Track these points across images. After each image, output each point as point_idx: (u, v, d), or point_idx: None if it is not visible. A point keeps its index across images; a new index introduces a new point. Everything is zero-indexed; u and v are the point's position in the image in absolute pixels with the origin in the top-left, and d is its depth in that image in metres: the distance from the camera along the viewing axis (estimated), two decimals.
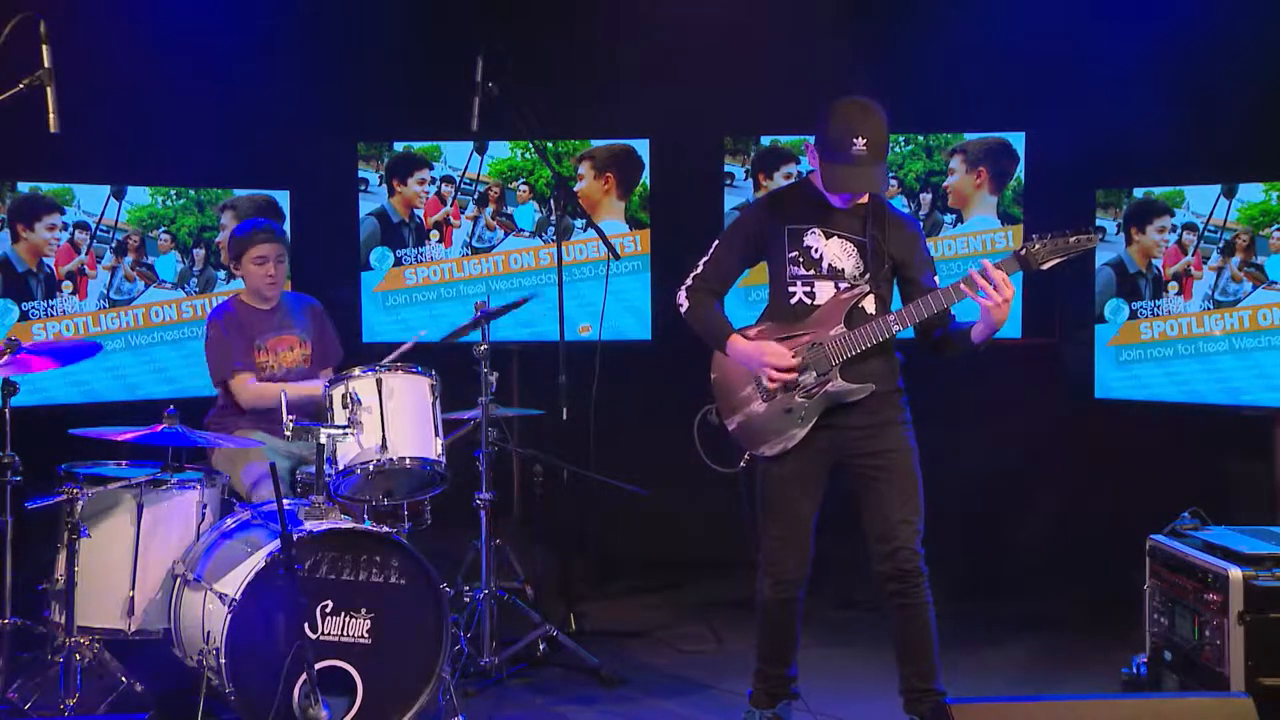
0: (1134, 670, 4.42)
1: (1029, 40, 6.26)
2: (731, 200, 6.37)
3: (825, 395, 3.96)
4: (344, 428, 4.44)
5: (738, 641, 5.27)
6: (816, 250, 4.00)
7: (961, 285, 3.82)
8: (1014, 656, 5.24)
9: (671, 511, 6.10)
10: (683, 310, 4.13)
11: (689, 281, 4.13)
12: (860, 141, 3.81)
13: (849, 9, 6.42)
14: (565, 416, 5.09)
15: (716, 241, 4.16)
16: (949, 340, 3.98)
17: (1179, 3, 5.98)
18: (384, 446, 4.47)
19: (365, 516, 4.45)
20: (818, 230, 4.00)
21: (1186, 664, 4.13)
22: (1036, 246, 3.80)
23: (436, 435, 4.62)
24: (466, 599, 4.99)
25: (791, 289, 4.03)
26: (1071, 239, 3.80)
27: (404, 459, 4.49)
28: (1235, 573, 3.91)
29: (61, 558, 4.35)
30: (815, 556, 4.10)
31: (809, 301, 4.01)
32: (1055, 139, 6.22)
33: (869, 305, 3.98)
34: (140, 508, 4.39)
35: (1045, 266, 3.82)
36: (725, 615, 5.70)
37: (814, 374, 3.96)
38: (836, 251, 3.99)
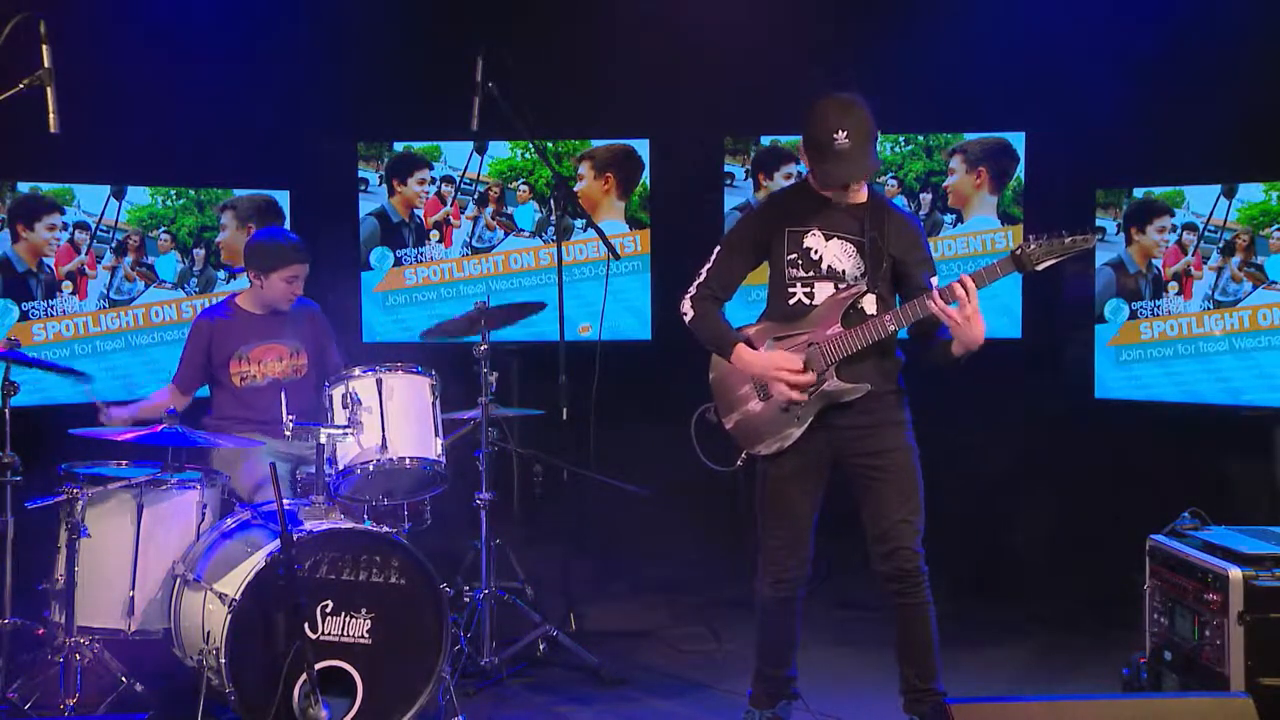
0: (1134, 670, 4.42)
1: (1029, 40, 6.26)
2: (731, 200, 6.37)
3: (821, 395, 3.95)
4: (344, 428, 4.44)
5: (738, 641, 5.27)
6: (816, 251, 4.00)
7: (954, 285, 3.79)
8: (1014, 656, 5.23)
9: (672, 511, 6.09)
10: (687, 319, 4.10)
11: (692, 290, 4.09)
12: (841, 135, 3.82)
13: (849, 9, 6.42)
14: (565, 416, 5.09)
15: (718, 247, 4.14)
16: (935, 347, 3.97)
17: (1179, 3, 5.99)
18: (384, 446, 4.48)
19: (365, 516, 4.45)
20: (817, 231, 3.99)
21: (1186, 664, 4.12)
22: (1032, 247, 3.79)
23: (436, 435, 4.62)
24: (466, 599, 4.99)
25: (791, 290, 4.02)
26: (1068, 240, 3.78)
27: (404, 459, 4.50)
28: (1235, 573, 3.91)
29: (61, 558, 4.35)
30: (815, 556, 4.10)
31: (808, 302, 4.00)
32: (1055, 139, 6.22)
33: (869, 305, 3.97)
34: (140, 508, 4.39)
35: (1040, 267, 3.80)
36: (725, 615, 5.69)
37: (811, 374, 3.96)
38: (836, 252, 3.99)
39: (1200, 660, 4.03)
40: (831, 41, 6.31)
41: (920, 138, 6.28)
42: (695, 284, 4.10)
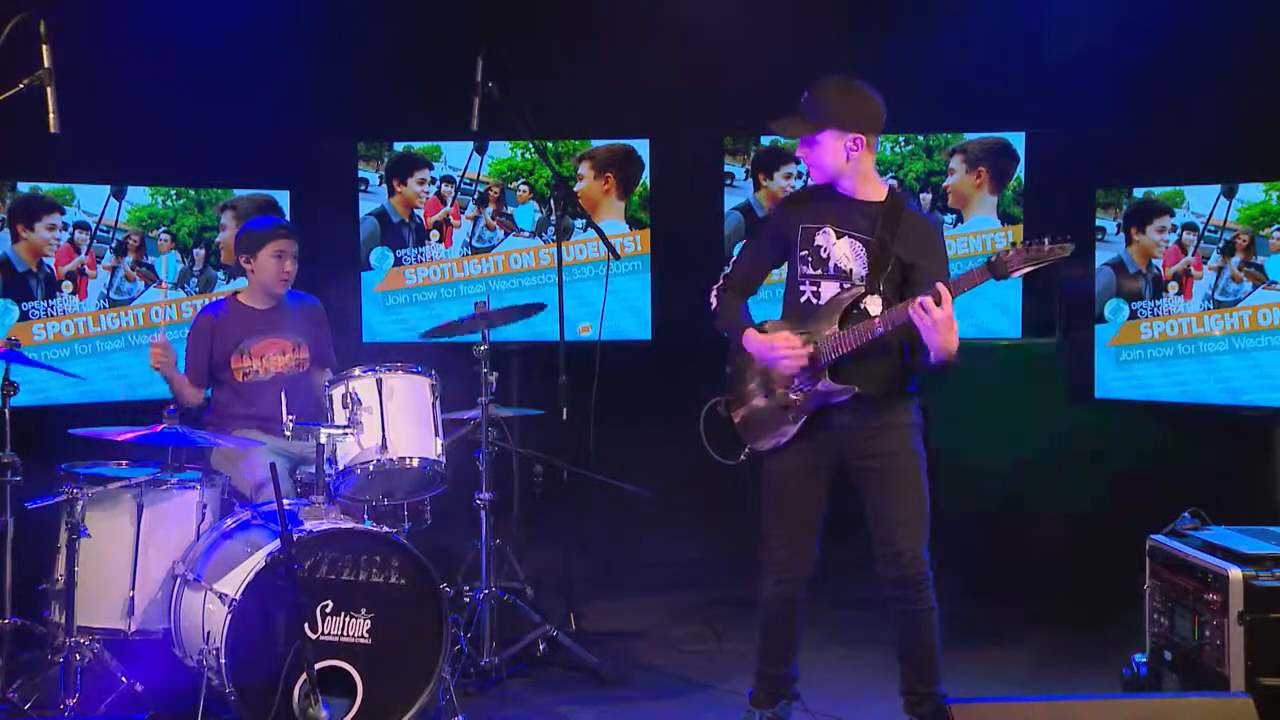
0: (1134, 670, 4.42)
1: (1029, 40, 6.26)
2: (731, 200, 6.37)
3: (814, 394, 3.97)
4: (344, 428, 4.45)
5: (738, 641, 5.27)
6: (825, 250, 4.00)
7: (926, 296, 3.77)
8: (1014, 656, 5.24)
9: (672, 511, 6.10)
10: (713, 309, 4.17)
11: (720, 281, 4.18)
12: (805, 95, 3.93)
13: (849, 9, 6.42)
14: (565, 416, 5.09)
15: (743, 241, 4.20)
16: (917, 354, 3.96)
17: (1179, 2, 5.98)
18: (384, 446, 4.48)
19: (365, 516, 4.45)
20: (829, 229, 3.99)
21: (1186, 664, 4.12)
22: (1010, 254, 3.72)
23: (436, 435, 4.62)
24: (466, 599, 4.98)
25: (801, 287, 4.03)
26: (1046, 249, 3.69)
27: (404, 459, 4.50)
28: (1235, 573, 3.91)
29: (61, 558, 4.35)
30: (818, 557, 4.09)
31: (815, 301, 4.01)
32: (1055, 139, 6.22)
33: (873, 307, 3.94)
34: (140, 508, 4.39)
35: (1016, 274, 3.73)
36: (725, 615, 5.69)
37: (808, 372, 3.97)
38: (845, 251, 3.98)
39: (1200, 660, 4.04)
40: (831, 41, 6.31)
41: (920, 138, 6.27)
42: (722, 276, 4.19)
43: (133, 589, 4.36)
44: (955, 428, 6.04)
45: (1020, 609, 5.78)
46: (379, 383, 4.53)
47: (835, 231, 3.98)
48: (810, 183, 4.12)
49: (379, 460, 4.47)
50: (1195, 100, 5.95)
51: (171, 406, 4.53)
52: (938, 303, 3.70)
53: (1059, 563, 6.09)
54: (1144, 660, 4.39)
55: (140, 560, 4.38)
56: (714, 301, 4.16)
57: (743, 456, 4.15)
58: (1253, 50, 5.90)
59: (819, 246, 4.00)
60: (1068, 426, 6.21)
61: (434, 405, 4.65)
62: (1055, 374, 6.30)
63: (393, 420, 4.51)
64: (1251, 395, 5.68)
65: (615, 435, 5.35)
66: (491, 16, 6.26)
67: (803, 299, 4.03)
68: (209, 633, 4.08)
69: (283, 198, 6.19)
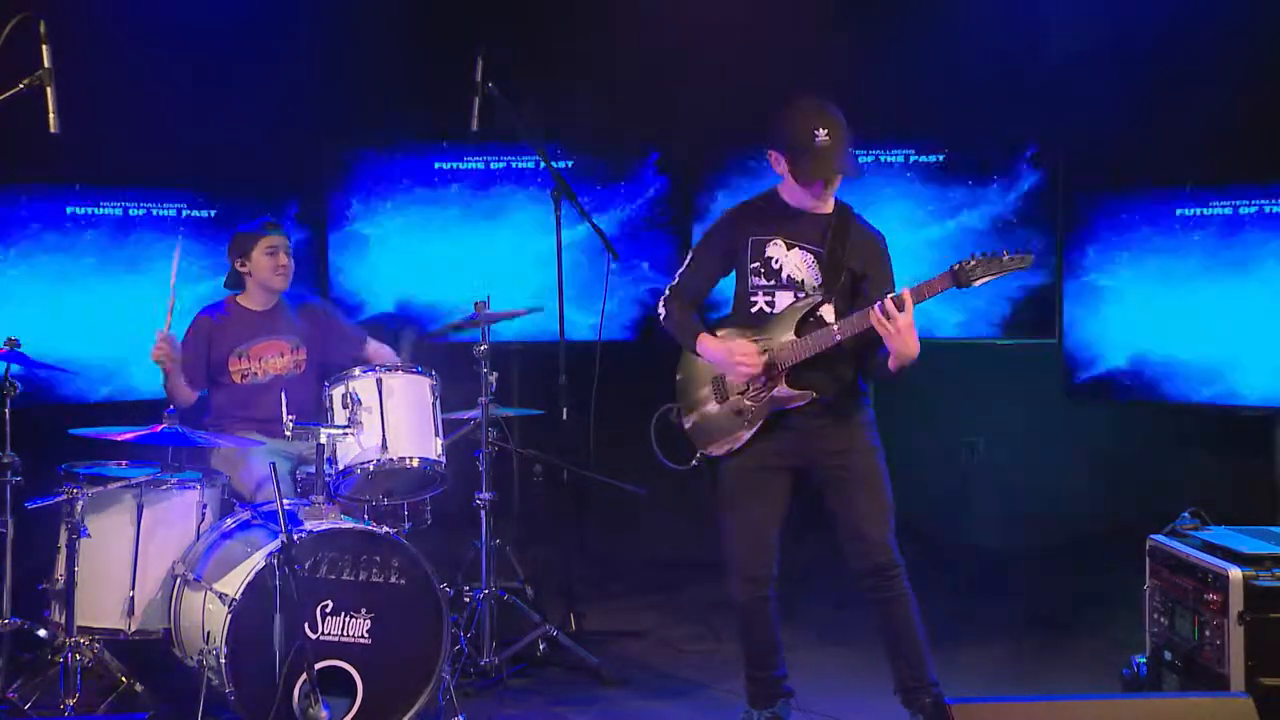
0: (1134, 670, 4.42)
1: (1029, 42, 6.27)
2: (731, 202, 6.36)
3: (770, 400, 3.99)
4: (344, 428, 4.45)
5: (737, 641, 5.26)
6: (777, 261, 4.03)
7: (888, 300, 3.78)
8: (1014, 656, 5.23)
9: (671, 511, 6.10)
10: (661, 319, 4.19)
11: (666, 292, 4.20)
12: (822, 132, 3.89)
13: (849, 10, 6.43)
14: (565, 416, 5.09)
15: (690, 253, 4.24)
16: (873, 361, 3.96)
17: (1178, 3, 5.99)
18: (384, 446, 4.48)
19: (365, 516, 4.45)
20: (779, 241, 4.03)
21: (1186, 664, 4.12)
22: (972, 264, 3.76)
23: (436, 435, 4.63)
24: (466, 599, 4.99)
25: (754, 298, 4.06)
26: (1005, 259, 3.76)
27: (404, 459, 4.50)
28: (1235, 573, 3.91)
29: (61, 558, 4.35)
30: (809, 557, 4.10)
31: (769, 310, 4.04)
32: (1056, 139, 6.22)
33: (827, 315, 3.97)
34: (140, 508, 4.39)
35: (978, 283, 3.77)
36: (725, 615, 5.65)
37: (763, 378, 3.98)
38: (796, 262, 4.01)
39: (1200, 660, 4.04)
40: (831, 43, 6.32)
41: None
42: (669, 287, 4.20)
43: (133, 589, 4.36)
44: (954, 427, 6.05)
45: (1020, 608, 5.78)
46: (379, 383, 4.54)
47: (786, 243, 4.02)
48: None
49: (379, 460, 4.47)
50: (1195, 100, 5.96)
51: (171, 406, 4.53)
52: (900, 308, 3.73)
53: (1059, 563, 6.09)
54: (1144, 660, 4.39)
55: (140, 560, 4.38)
56: (662, 310, 4.17)
57: (694, 462, 4.17)
58: (1252, 50, 5.91)
59: (770, 258, 4.03)
60: (1067, 426, 6.21)
61: (434, 405, 4.65)
62: (1054, 374, 6.30)
63: (393, 420, 4.51)
64: (1251, 395, 5.68)
65: (615, 435, 5.35)
66: (491, 16, 6.26)
67: (754, 309, 4.06)
68: (209, 633, 4.09)
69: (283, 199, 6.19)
